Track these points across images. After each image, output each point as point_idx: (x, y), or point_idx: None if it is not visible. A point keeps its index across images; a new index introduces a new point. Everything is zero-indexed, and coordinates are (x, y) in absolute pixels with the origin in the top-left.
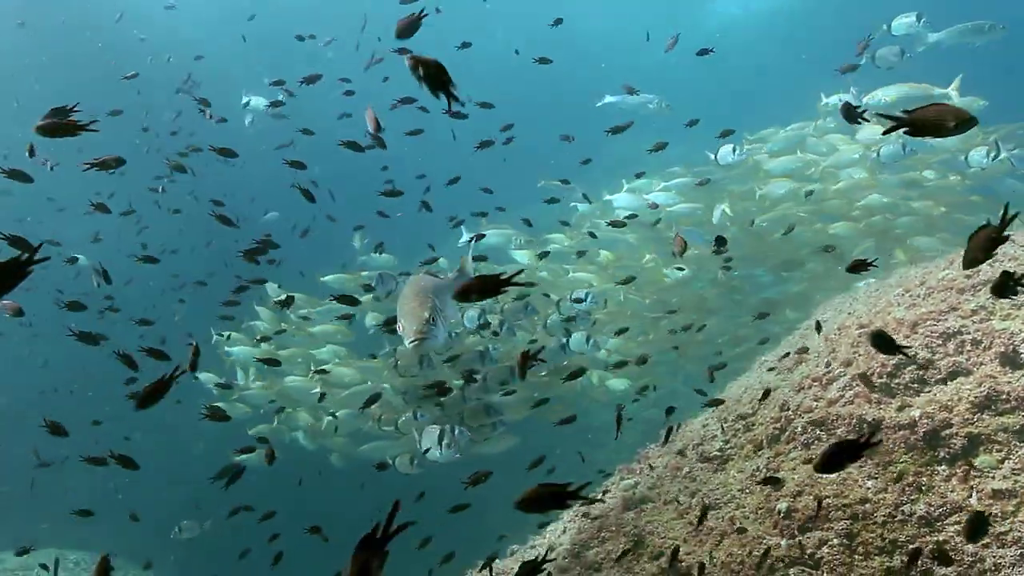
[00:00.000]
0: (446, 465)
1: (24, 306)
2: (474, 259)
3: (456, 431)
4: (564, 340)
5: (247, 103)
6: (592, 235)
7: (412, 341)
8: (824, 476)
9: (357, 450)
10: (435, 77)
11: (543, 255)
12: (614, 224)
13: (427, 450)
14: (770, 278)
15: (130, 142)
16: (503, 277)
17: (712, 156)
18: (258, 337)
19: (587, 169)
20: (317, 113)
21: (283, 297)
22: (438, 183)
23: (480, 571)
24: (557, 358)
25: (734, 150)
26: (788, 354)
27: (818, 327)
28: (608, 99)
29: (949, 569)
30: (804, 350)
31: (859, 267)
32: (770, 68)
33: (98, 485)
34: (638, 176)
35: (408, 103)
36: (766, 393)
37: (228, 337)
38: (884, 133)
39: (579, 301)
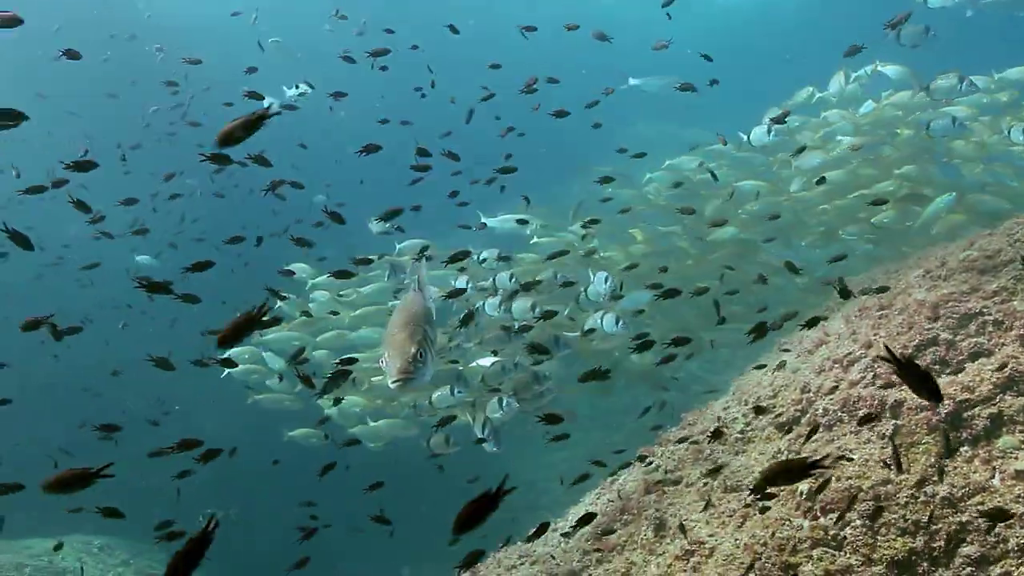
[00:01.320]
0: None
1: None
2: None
3: (505, 403)
4: (598, 320)
5: (295, 94)
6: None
7: (395, 381)
8: (847, 459)
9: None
10: None
11: (589, 223)
12: (683, 211)
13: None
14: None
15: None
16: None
17: (745, 137)
18: (301, 312)
19: (608, 151)
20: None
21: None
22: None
23: (503, 547)
24: (590, 335)
25: (768, 131)
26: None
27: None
28: (632, 81)
29: (972, 548)
30: (824, 332)
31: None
32: (778, 52)
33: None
34: (693, 149)
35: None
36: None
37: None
38: None
39: (616, 297)
